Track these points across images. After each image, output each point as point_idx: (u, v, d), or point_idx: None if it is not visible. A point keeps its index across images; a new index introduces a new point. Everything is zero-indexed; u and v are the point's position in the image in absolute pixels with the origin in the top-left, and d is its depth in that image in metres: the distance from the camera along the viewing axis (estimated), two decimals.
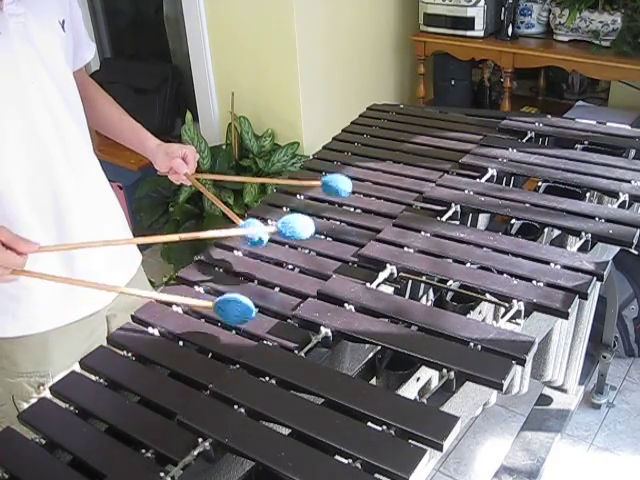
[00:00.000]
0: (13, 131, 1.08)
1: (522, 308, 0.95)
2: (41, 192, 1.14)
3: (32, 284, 1.14)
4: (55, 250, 1.11)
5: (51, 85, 1.12)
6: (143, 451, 0.78)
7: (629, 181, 1.25)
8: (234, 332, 0.97)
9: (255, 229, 1.10)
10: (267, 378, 0.86)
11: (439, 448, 0.74)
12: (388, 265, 1.06)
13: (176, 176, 1.32)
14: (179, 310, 1.03)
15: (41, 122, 1.11)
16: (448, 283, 1.02)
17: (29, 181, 1.12)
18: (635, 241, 1.08)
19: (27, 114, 1.09)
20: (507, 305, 0.95)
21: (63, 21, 1.16)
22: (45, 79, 1.11)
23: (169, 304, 1.03)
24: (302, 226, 1.07)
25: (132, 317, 1.03)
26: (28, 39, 1.08)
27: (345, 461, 0.73)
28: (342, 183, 1.22)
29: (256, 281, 1.08)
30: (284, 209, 1.29)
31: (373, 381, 0.99)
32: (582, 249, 1.09)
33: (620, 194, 1.22)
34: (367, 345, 0.96)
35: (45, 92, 1.11)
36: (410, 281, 1.10)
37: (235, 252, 1.16)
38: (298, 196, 1.32)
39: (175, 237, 1.08)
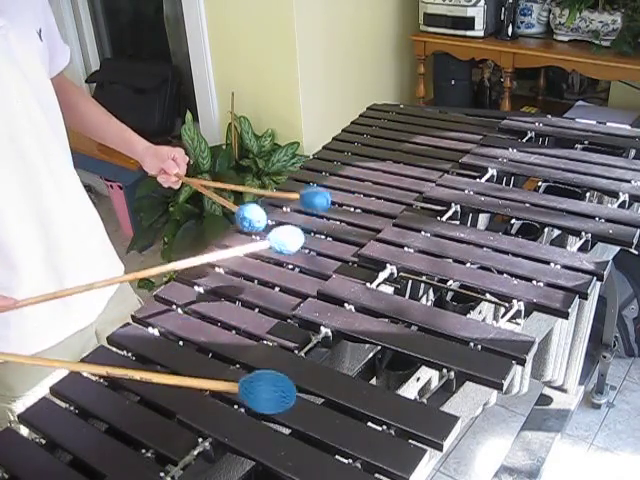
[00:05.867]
0: None
1: (522, 308, 0.95)
2: (26, 207, 1.10)
3: (23, 308, 1.12)
4: (29, 304, 1.00)
5: (33, 99, 1.08)
6: (143, 451, 0.78)
7: (629, 181, 1.25)
8: (234, 332, 0.97)
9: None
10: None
11: (439, 448, 0.74)
12: (388, 265, 1.06)
13: (165, 177, 1.30)
14: (179, 310, 1.03)
15: (25, 136, 1.07)
16: (448, 283, 1.02)
17: (13, 195, 1.08)
18: (635, 241, 1.08)
19: (12, 130, 1.05)
20: (507, 305, 0.95)
21: (40, 30, 1.12)
22: (28, 93, 1.07)
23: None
24: (291, 239, 1.04)
25: (132, 317, 1.03)
26: (9, 53, 1.04)
27: (345, 461, 0.73)
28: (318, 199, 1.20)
29: (256, 281, 1.08)
30: (283, 209, 1.29)
31: (373, 381, 0.99)
32: (582, 249, 1.09)
33: (620, 194, 1.22)
34: (367, 345, 0.96)
35: (29, 107, 1.07)
36: (410, 281, 1.10)
37: None
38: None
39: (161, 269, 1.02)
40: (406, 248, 1.10)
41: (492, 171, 1.34)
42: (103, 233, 1.31)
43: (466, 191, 1.27)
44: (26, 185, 1.09)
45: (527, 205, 1.20)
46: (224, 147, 2.65)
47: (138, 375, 0.81)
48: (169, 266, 1.01)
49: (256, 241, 1.07)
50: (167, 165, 1.28)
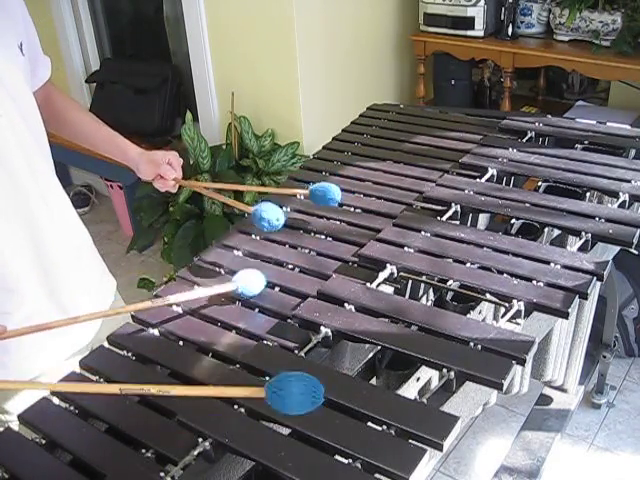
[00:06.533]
0: None
1: (522, 308, 0.95)
2: (17, 226, 1.08)
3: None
4: (17, 335, 0.98)
5: (17, 115, 1.06)
6: (143, 451, 0.78)
7: (629, 181, 1.25)
8: (234, 332, 0.97)
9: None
10: (267, 378, 0.86)
11: (439, 448, 0.74)
12: (388, 265, 1.06)
13: (162, 182, 1.29)
14: (179, 310, 1.03)
15: (11, 154, 1.05)
16: (448, 283, 1.02)
17: (4, 215, 1.07)
18: (635, 241, 1.08)
19: None
20: (507, 305, 0.95)
21: (21, 44, 1.09)
22: (12, 110, 1.05)
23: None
24: (255, 284, 1.04)
25: (132, 317, 1.03)
26: None
27: (345, 461, 0.73)
28: (330, 192, 1.21)
29: None
30: (284, 209, 1.29)
31: (373, 381, 0.99)
32: (582, 249, 1.09)
33: (620, 194, 1.22)
34: (367, 345, 0.96)
35: (13, 124, 1.05)
36: (410, 281, 1.10)
37: (235, 252, 1.16)
38: (298, 196, 1.32)
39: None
40: (406, 248, 1.10)
41: (492, 171, 1.34)
42: (92, 244, 1.29)
43: (466, 191, 1.27)
44: (15, 201, 1.08)
45: (527, 205, 1.20)
46: (224, 147, 2.65)
47: (155, 389, 0.80)
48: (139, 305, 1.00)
49: (223, 282, 1.05)
50: (163, 170, 1.27)
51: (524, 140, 1.49)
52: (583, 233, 1.10)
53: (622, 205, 1.20)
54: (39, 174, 1.12)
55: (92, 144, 1.34)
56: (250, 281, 1.03)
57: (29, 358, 1.13)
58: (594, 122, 1.54)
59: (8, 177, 1.06)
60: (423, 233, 1.14)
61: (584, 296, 0.96)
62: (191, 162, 2.56)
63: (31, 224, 1.10)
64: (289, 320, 0.98)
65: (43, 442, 0.83)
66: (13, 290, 1.10)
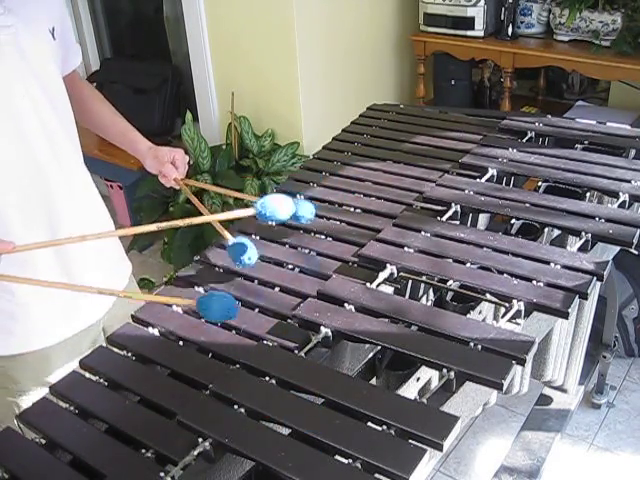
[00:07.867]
0: (4, 144, 1.06)
1: (522, 308, 0.95)
2: (34, 205, 1.12)
3: (29, 301, 1.13)
4: (28, 249, 1.02)
5: (42, 97, 1.10)
6: (143, 451, 0.78)
7: (629, 181, 1.25)
8: (234, 332, 0.97)
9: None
10: (267, 378, 0.86)
11: (439, 448, 0.74)
12: (388, 265, 1.06)
13: (166, 179, 1.32)
14: (179, 310, 1.03)
15: (33, 134, 1.09)
16: (448, 283, 1.02)
17: (22, 194, 1.10)
18: (635, 241, 1.08)
19: (19, 127, 1.07)
20: (507, 305, 0.95)
21: (53, 29, 1.14)
22: (37, 91, 1.09)
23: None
24: (280, 206, 1.03)
25: (132, 317, 1.03)
26: (19, 51, 1.06)
27: (345, 461, 0.73)
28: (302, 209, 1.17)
29: (256, 281, 1.08)
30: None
31: (373, 381, 0.99)
32: (582, 249, 1.09)
33: (620, 194, 1.22)
34: (367, 345, 0.96)
35: (37, 104, 1.09)
36: (410, 281, 1.10)
37: None
38: (298, 195, 1.32)
39: (153, 227, 1.08)
40: (406, 248, 1.10)
41: (492, 171, 1.34)
42: (112, 228, 1.33)
43: (466, 191, 1.27)
44: (35, 183, 1.11)
45: (527, 205, 1.20)
46: (224, 147, 2.65)
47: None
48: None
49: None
50: (166, 169, 1.29)
51: (524, 140, 1.49)
52: (583, 233, 1.10)
53: (622, 205, 1.20)
54: (62, 155, 1.15)
55: (107, 135, 1.38)
56: (274, 203, 1.02)
57: (36, 329, 1.15)
58: (594, 122, 1.54)
59: (27, 155, 1.09)
60: (423, 233, 1.14)
61: (584, 296, 0.96)
62: (191, 162, 2.56)
63: (49, 203, 1.13)
64: (289, 320, 0.98)
65: (43, 442, 0.83)
66: (26, 261, 1.11)
